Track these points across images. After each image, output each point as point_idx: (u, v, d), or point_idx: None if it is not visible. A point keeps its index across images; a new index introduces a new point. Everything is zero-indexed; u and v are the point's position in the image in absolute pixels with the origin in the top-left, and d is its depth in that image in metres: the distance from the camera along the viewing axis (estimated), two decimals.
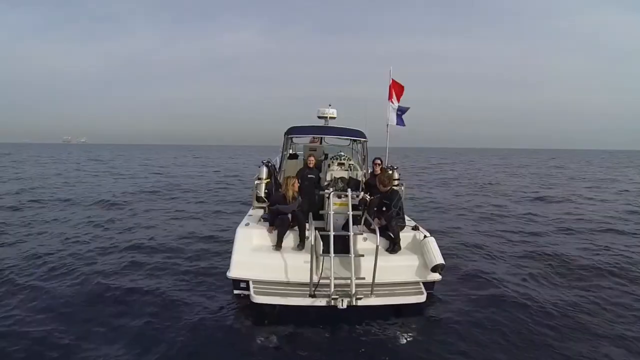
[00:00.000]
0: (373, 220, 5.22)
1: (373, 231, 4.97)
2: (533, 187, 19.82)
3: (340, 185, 6.82)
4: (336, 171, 7.27)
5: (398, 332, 4.37)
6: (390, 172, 7.03)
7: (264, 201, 6.44)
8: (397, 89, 8.22)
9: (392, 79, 8.21)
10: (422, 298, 4.73)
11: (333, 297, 4.39)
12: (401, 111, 8.17)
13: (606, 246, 8.09)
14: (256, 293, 4.59)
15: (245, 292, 4.75)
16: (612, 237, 9.00)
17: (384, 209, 5.38)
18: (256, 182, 6.73)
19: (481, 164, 46.84)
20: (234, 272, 4.86)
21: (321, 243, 4.90)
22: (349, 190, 5.50)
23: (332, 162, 7.58)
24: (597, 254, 7.48)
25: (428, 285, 5.04)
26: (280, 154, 7.77)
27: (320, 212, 5.44)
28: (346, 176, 7.17)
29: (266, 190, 6.66)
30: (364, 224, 5.43)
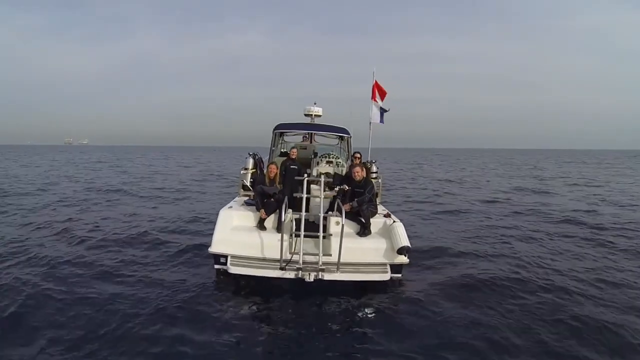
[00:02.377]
0: (345, 206, 5.63)
1: (345, 216, 5.37)
2: None
3: (325, 179, 7.31)
4: (323, 167, 7.80)
5: (361, 308, 4.67)
6: (370, 165, 7.49)
7: (249, 189, 6.89)
8: (380, 89, 8.66)
9: (376, 80, 8.66)
10: (385, 277, 5.05)
11: (300, 269, 4.81)
12: (383, 110, 8.60)
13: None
14: (232, 265, 5.03)
15: (224, 267, 5.17)
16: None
17: (353, 194, 5.79)
18: (242, 171, 7.21)
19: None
20: (214, 248, 5.27)
21: (294, 224, 5.35)
22: (322, 177, 5.94)
23: (321, 159, 8.12)
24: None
25: (395, 267, 5.32)
26: (270, 151, 8.26)
27: (295, 194, 5.84)
28: (331, 171, 7.65)
29: (252, 180, 7.13)
30: (336, 209, 5.83)
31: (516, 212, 11.57)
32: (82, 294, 4.92)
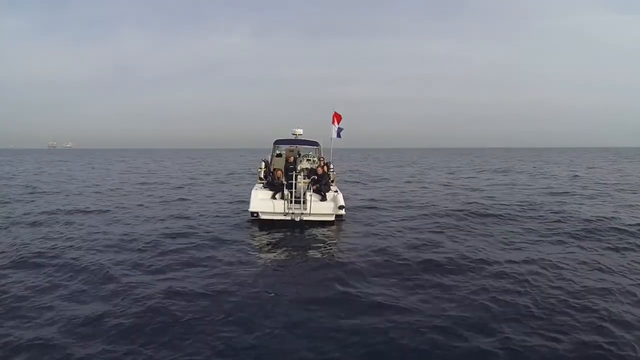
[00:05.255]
0: (313, 186, 11.36)
1: (313, 191, 11.10)
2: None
3: (306, 172, 13.04)
4: (304, 164, 13.54)
5: (323, 232, 10.23)
6: (328, 163, 13.26)
7: (263, 179, 12.56)
8: (337, 117, 14.39)
9: (335, 111, 14.37)
10: (332, 218, 10.86)
11: (293, 214, 10.57)
12: (340, 130, 14.30)
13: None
14: (262, 215, 10.72)
15: (257, 218, 10.84)
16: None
17: (317, 181, 11.58)
18: (259, 169, 12.91)
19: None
20: (251, 209, 10.86)
21: (289, 196, 11.07)
22: (303, 170, 11.68)
23: (303, 159, 13.86)
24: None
25: (338, 216, 11.04)
26: (271, 154, 13.94)
27: (290, 181, 11.53)
28: (309, 167, 13.39)
29: (264, 174, 12.78)
30: (309, 189, 11.49)
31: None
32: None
